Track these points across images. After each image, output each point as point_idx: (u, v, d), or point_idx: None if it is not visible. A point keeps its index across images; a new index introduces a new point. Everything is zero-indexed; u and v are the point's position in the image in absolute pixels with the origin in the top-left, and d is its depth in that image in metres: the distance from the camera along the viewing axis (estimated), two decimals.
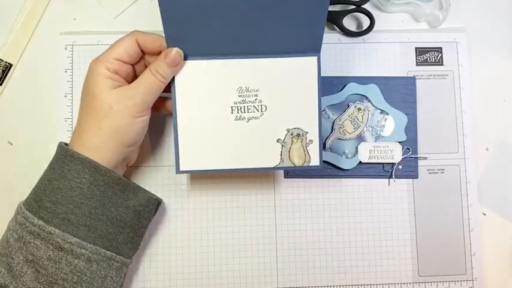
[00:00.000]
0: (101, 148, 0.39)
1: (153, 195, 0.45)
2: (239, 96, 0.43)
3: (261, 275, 0.49)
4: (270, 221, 0.50)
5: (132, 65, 0.43)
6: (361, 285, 0.49)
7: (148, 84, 0.41)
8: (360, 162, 0.50)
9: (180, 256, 0.49)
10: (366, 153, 0.50)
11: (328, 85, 0.50)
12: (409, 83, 0.51)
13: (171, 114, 0.43)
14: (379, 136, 0.50)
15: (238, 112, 0.43)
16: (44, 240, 0.38)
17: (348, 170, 0.50)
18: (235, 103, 0.43)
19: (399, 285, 0.49)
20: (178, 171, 0.43)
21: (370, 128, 0.50)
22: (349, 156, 0.50)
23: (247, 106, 0.43)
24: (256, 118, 0.43)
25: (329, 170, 0.50)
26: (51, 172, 0.40)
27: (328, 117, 0.50)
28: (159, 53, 0.42)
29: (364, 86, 0.51)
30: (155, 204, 0.45)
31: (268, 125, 0.43)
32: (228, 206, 0.49)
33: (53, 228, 0.38)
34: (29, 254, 0.38)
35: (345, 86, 0.51)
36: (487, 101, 0.52)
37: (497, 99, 0.53)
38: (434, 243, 0.50)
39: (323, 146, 0.49)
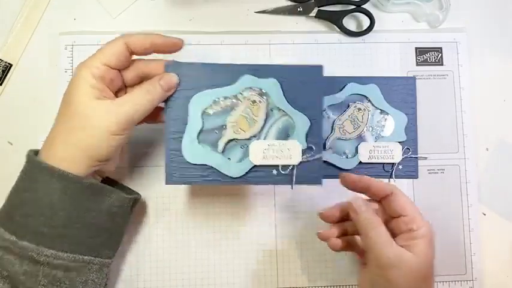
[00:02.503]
0: (70, 161, 0.37)
1: (129, 193, 0.43)
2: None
3: (261, 275, 0.49)
4: (270, 220, 0.50)
5: (120, 71, 0.40)
6: None
7: (137, 104, 0.38)
8: (360, 162, 0.50)
9: (180, 256, 0.49)
10: (366, 153, 0.50)
11: (328, 85, 0.50)
12: (409, 83, 0.51)
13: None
14: (379, 136, 0.50)
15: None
16: (17, 256, 0.36)
17: (348, 170, 0.50)
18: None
19: None
20: (168, 182, 0.42)
21: (370, 128, 0.50)
22: (349, 156, 0.50)
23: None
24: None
25: (329, 170, 0.50)
26: (21, 183, 0.38)
27: (328, 117, 0.50)
28: (149, 53, 0.40)
29: (364, 86, 0.50)
30: (130, 203, 0.43)
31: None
32: (228, 205, 0.49)
33: (26, 243, 0.36)
34: (4, 270, 0.36)
35: (344, 86, 0.50)
36: (487, 101, 0.52)
37: (497, 99, 0.53)
38: (434, 243, 0.50)
39: (323, 146, 0.49)
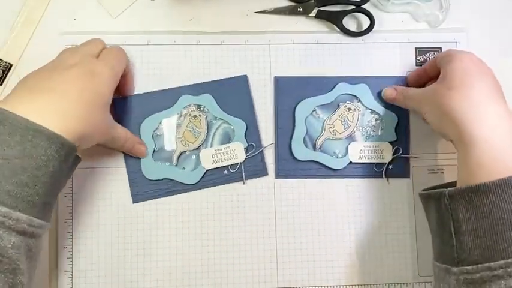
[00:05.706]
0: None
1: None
2: None
3: (261, 274, 0.49)
4: (270, 221, 0.50)
5: None
6: (361, 285, 0.49)
7: (116, 138, 0.45)
8: (351, 162, 0.50)
9: (180, 256, 0.49)
10: (356, 153, 0.50)
11: (318, 85, 0.51)
12: (400, 81, 0.51)
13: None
14: (370, 136, 0.50)
15: None
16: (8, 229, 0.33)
17: (338, 170, 0.50)
18: None
19: (399, 285, 0.49)
20: (134, 201, 0.49)
21: (361, 128, 0.50)
22: (340, 156, 0.50)
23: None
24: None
25: (319, 170, 0.50)
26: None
27: (318, 117, 0.50)
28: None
29: (354, 86, 0.51)
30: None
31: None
32: (228, 206, 0.50)
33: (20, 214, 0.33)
34: None
35: (335, 86, 0.50)
36: None
37: None
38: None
39: (313, 147, 0.49)
